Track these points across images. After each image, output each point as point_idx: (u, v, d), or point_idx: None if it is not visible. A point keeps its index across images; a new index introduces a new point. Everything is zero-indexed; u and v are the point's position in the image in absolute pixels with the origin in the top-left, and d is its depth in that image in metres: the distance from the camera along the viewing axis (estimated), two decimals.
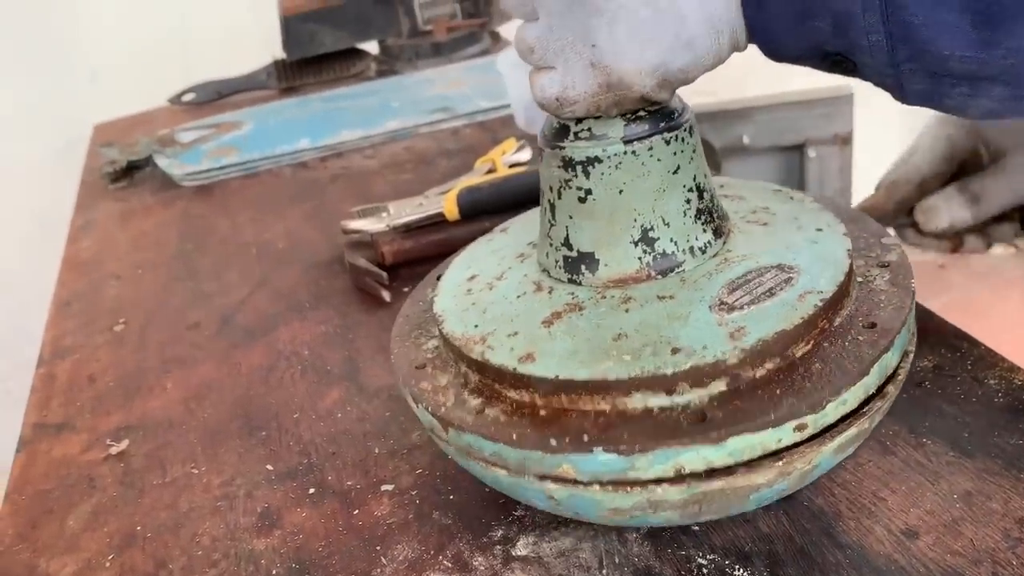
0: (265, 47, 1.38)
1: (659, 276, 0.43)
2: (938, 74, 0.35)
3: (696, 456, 0.36)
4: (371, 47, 1.40)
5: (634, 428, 0.37)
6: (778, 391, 0.37)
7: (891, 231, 0.58)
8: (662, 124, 0.43)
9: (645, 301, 0.42)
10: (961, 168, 0.61)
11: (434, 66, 1.31)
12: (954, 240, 0.61)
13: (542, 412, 0.39)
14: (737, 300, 0.41)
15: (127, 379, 0.66)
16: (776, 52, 0.39)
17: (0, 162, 1.75)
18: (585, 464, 0.37)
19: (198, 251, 0.86)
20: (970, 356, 0.51)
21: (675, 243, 0.43)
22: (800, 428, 0.36)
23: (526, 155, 0.85)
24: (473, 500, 0.47)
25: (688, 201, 0.43)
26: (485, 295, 0.46)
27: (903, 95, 0.37)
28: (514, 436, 0.38)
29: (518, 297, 0.45)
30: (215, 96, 1.33)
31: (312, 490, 0.51)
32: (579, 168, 0.43)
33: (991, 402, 0.48)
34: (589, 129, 0.43)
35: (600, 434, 0.37)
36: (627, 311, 0.42)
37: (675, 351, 0.38)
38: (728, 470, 0.37)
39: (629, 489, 0.37)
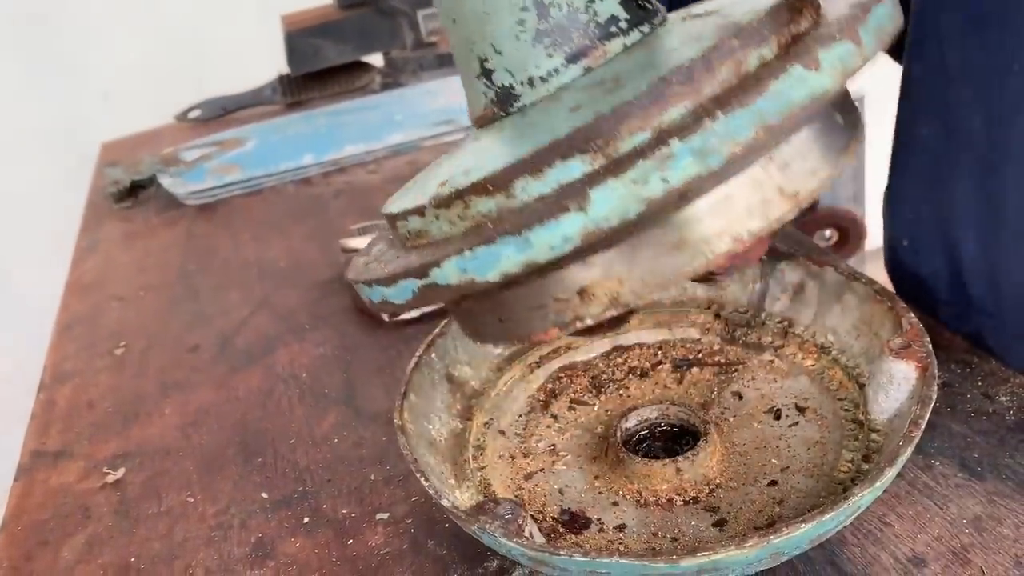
0: (274, 62, 1.38)
1: (503, 114, 0.37)
2: None
3: None
4: (375, 60, 1.40)
5: None
6: None
7: None
8: None
9: (463, 146, 0.38)
10: None
11: (438, 77, 1.30)
12: None
13: None
14: None
15: (126, 404, 0.66)
16: None
17: (14, 182, 1.76)
18: None
19: (200, 271, 0.86)
20: (980, 372, 0.50)
21: (511, 74, 0.36)
22: None
23: None
24: None
25: (522, 22, 0.35)
26: None
27: None
28: None
29: None
30: (221, 112, 1.33)
31: (307, 519, 0.50)
32: None
33: (1002, 420, 0.46)
34: None
35: None
36: (447, 156, 0.39)
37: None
38: None
39: None
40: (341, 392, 0.61)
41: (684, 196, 0.29)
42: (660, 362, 0.53)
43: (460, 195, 0.32)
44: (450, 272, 0.31)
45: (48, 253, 1.53)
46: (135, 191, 1.09)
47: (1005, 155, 0.46)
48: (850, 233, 1.78)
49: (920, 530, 0.41)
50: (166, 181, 1.06)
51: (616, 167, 0.28)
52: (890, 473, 0.36)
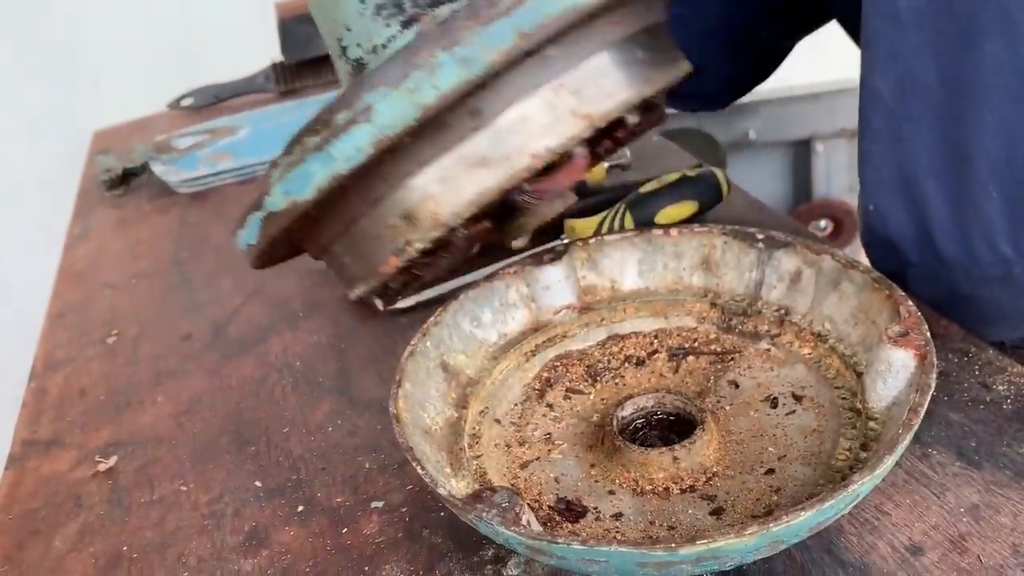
0: (267, 50, 1.36)
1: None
2: None
3: None
4: None
5: None
6: None
7: None
8: None
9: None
10: None
11: None
12: None
13: None
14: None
15: (118, 393, 0.65)
16: None
17: (6, 170, 1.74)
18: None
19: (193, 259, 0.85)
20: (978, 361, 0.49)
21: (360, 47, 0.41)
22: None
23: None
24: None
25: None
26: None
27: None
28: None
29: None
30: (214, 100, 1.32)
31: (301, 507, 0.50)
32: None
33: (1000, 409, 0.46)
34: None
35: None
36: None
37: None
38: None
39: None
40: (335, 381, 0.61)
41: (475, 113, 0.34)
42: (656, 351, 0.53)
43: (297, 139, 0.36)
44: (277, 198, 0.36)
45: (40, 241, 1.52)
46: (127, 179, 1.08)
47: (962, 100, 0.45)
48: (845, 223, 1.78)
49: (918, 519, 0.41)
50: (158, 169, 1.05)
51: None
52: (889, 461, 0.35)
